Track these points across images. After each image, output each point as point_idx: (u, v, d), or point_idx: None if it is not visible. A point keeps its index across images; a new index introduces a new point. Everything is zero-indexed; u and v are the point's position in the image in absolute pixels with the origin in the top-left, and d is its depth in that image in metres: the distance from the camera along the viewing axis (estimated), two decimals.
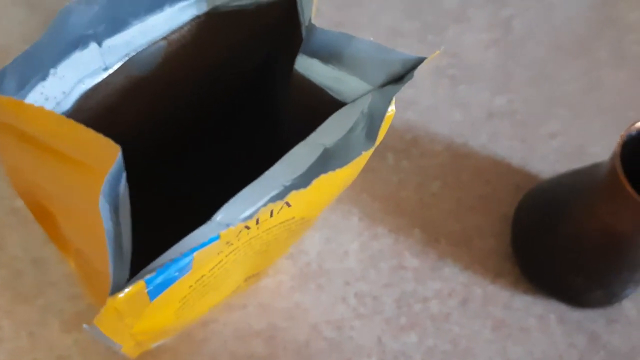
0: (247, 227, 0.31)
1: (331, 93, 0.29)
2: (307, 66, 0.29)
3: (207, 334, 0.47)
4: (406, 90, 0.59)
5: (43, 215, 0.34)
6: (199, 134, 0.37)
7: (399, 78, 0.28)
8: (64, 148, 0.24)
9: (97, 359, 0.45)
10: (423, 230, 0.53)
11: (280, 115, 0.34)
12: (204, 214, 0.42)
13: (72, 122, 0.22)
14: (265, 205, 0.26)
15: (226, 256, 0.32)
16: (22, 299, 0.47)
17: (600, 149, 0.58)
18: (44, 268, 0.48)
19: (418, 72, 0.60)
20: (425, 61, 0.28)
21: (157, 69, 0.30)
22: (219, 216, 0.26)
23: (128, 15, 0.27)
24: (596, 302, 0.48)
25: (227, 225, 0.26)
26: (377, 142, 0.31)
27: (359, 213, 0.53)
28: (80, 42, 0.26)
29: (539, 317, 0.50)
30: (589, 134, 0.59)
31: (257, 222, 0.31)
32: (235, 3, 0.31)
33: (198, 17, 0.30)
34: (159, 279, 0.25)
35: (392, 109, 0.31)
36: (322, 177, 0.26)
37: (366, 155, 0.29)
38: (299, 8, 0.29)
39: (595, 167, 0.46)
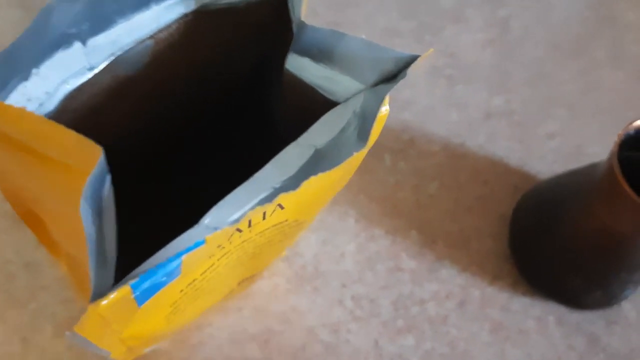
0: (239, 230, 0.30)
1: (323, 92, 0.28)
2: (298, 65, 0.28)
3: (202, 337, 0.46)
4: (403, 90, 0.58)
5: (31, 218, 0.33)
6: (191, 134, 0.36)
7: (392, 77, 0.27)
8: (46, 150, 0.23)
9: None
10: (420, 231, 0.52)
11: (273, 115, 0.34)
12: (198, 215, 0.41)
13: (53, 123, 0.22)
14: (253, 208, 0.25)
15: (218, 260, 0.31)
16: (14, 303, 0.46)
17: (599, 149, 0.57)
18: (36, 272, 0.47)
19: (415, 72, 0.59)
20: (418, 59, 0.27)
21: (145, 69, 0.29)
22: (207, 219, 0.25)
23: (113, 14, 0.26)
24: (595, 304, 0.47)
25: (215, 229, 0.25)
26: (370, 143, 0.30)
27: (356, 214, 0.52)
28: (63, 42, 0.25)
29: (537, 319, 0.49)
30: (587, 134, 0.58)
31: (250, 225, 0.30)
32: (224, 1, 0.30)
33: (186, 15, 0.29)
34: (146, 284, 0.24)
35: (386, 109, 0.30)
36: (312, 179, 0.25)
37: (358, 156, 0.28)
38: (290, 5, 0.28)
39: (593, 167, 0.45)
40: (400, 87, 0.58)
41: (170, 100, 0.32)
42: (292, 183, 0.26)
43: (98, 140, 0.30)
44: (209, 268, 0.30)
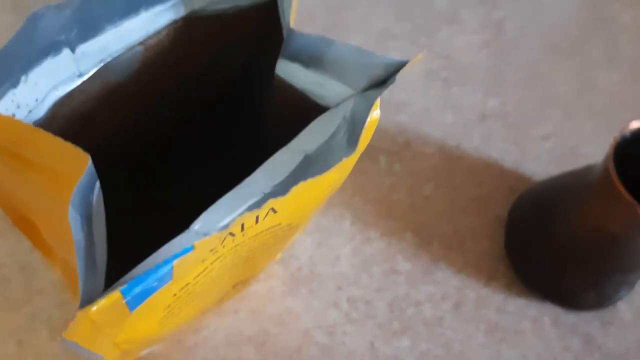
0: (232, 234, 0.30)
1: (313, 98, 0.28)
2: (288, 71, 0.28)
3: (198, 340, 0.46)
4: (398, 92, 0.58)
5: (25, 223, 0.33)
6: (184, 139, 0.36)
7: (382, 82, 0.27)
8: (35, 157, 0.23)
9: None
10: (415, 233, 0.52)
11: (264, 120, 0.33)
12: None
13: (40, 131, 0.22)
14: (242, 214, 0.25)
15: (211, 264, 0.31)
16: (10, 307, 0.46)
17: (594, 150, 0.57)
18: (32, 275, 0.47)
19: (410, 74, 0.59)
20: (408, 64, 0.27)
21: (135, 75, 0.29)
22: (197, 225, 0.25)
23: (101, 20, 0.26)
24: (590, 304, 0.47)
25: (204, 235, 0.25)
26: (361, 148, 0.30)
27: (351, 217, 0.52)
28: (52, 48, 0.25)
29: (533, 320, 0.49)
30: (582, 135, 0.58)
31: (243, 229, 0.30)
32: (214, 7, 0.30)
33: (175, 21, 0.29)
34: (137, 290, 0.24)
35: (377, 113, 0.30)
36: (301, 184, 0.25)
37: (348, 161, 0.28)
38: (280, 11, 0.28)
39: (588, 168, 0.45)
40: (396, 90, 0.58)
41: (162, 105, 0.32)
42: (282, 188, 0.26)
43: (89, 146, 0.30)
44: (202, 272, 0.30)
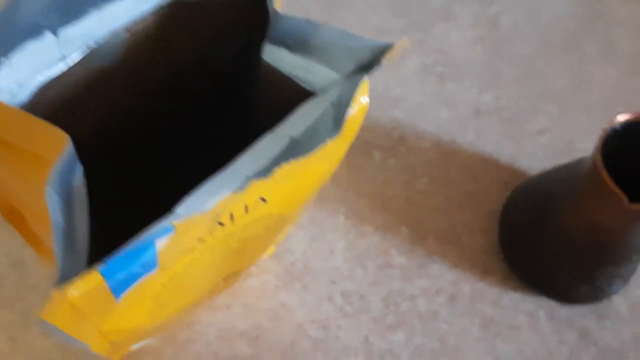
0: (221, 224, 0.29)
1: (300, 83, 0.28)
2: (274, 56, 0.27)
3: (190, 335, 0.46)
4: (393, 88, 0.58)
5: (14, 216, 0.33)
6: (174, 127, 0.35)
7: (369, 66, 0.27)
8: (15, 139, 0.22)
9: None
10: (410, 228, 0.51)
11: (253, 106, 0.33)
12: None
13: (19, 111, 0.21)
14: (225, 196, 0.25)
15: (200, 254, 0.30)
16: (3, 303, 0.46)
17: (589, 144, 0.56)
18: (24, 271, 0.47)
19: (405, 70, 0.59)
20: (393, 47, 0.26)
21: (122, 62, 0.28)
22: (179, 209, 0.25)
23: (84, 4, 0.26)
24: (584, 298, 0.47)
25: (184, 216, 0.24)
26: (349, 134, 0.29)
27: (345, 211, 0.51)
28: (33, 31, 0.25)
29: (528, 314, 0.48)
30: (577, 130, 0.57)
31: (232, 219, 0.30)
32: None
33: (162, 7, 0.29)
34: (121, 275, 0.24)
35: (365, 99, 0.30)
36: (285, 167, 0.25)
37: (335, 146, 0.28)
38: None
39: (580, 162, 0.44)
40: (391, 85, 0.58)
41: (152, 95, 0.32)
42: (266, 172, 0.25)
43: (76, 134, 0.29)
44: (191, 262, 0.30)
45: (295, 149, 0.26)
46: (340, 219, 0.51)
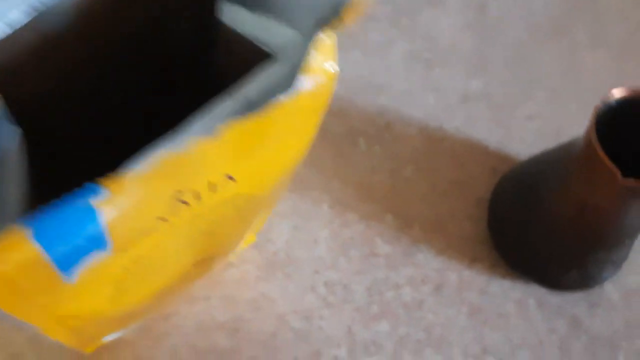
0: (185, 203, 0.28)
1: (258, 44, 0.26)
2: (232, 16, 0.26)
3: (167, 327, 0.44)
4: (379, 75, 0.56)
5: None
6: (132, 97, 0.34)
7: (328, 22, 0.25)
8: None
9: (50, 356, 0.42)
10: (396, 216, 0.50)
11: (211, 71, 0.31)
12: None
13: None
14: (163, 155, 0.23)
15: (165, 235, 0.29)
16: None
17: (579, 130, 0.55)
18: None
19: (391, 56, 0.57)
20: (355, 3, 0.25)
21: (73, 27, 0.27)
22: (118, 170, 0.23)
23: None
24: (574, 285, 0.45)
25: (117, 177, 0.22)
26: (320, 106, 0.28)
27: (330, 200, 0.50)
28: None
29: (517, 302, 0.47)
30: (567, 115, 0.56)
31: (199, 198, 0.28)
32: None
33: None
34: (62, 247, 0.22)
35: (333, 67, 0.28)
36: (233, 124, 0.23)
37: (299, 115, 0.26)
38: None
39: (570, 144, 0.43)
40: (376, 72, 0.56)
41: (104, 62, 0.30)
42: (213, 130, 0.23)
43: (17, 99, 0.28)
44: (155, 244, 0.28)
45: (248, 110, 0.24)
46: (324, 207, 0.49)
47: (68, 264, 0.23)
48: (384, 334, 0.45)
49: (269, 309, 0.45)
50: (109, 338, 0.40)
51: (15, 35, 0.25)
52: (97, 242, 0.23)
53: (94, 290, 0.27)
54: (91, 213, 0.22)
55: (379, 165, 0.52)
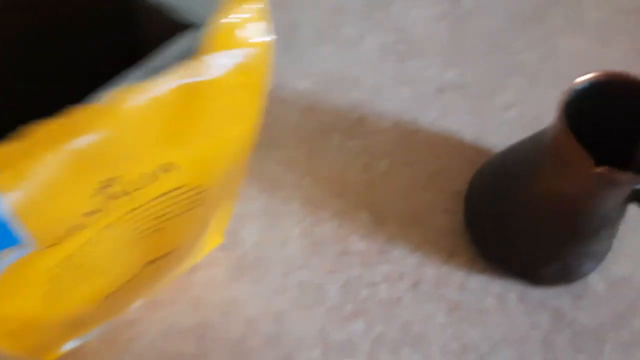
0: (115, 197, 0.26)
1: (173, 15, 0.24)
2: None
3: (132, 333, 0.42)
4: (351, 68, 0.54)
5: None
6: (50, 75, 0.31)
7: None
8: None
9: None
10: (370, 211, 0.48)
11: (126, 45, 0.29)
12: None
13: None
14: (58, 121, 0.20)
15: (99, 232, 0.27)
16: None
17: None
18: None
19: (363, 49, 0.55)
20: None
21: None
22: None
23: None
24: (553, 278, 0.43)
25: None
26: (255, 82, 0.26)
27: (301, 197, 0.48)
28: None
29: (497, 296, 0.45)
30: (546, 103, 0.54)
31: (133, 190, 0.26)
32: None
33: None
34: None
35: (269, 37, 0.26)
36: (125, 89, 0.21)
37: (221, 81, 0.24)
38: None
39: (542, 132, 0.41)
40: (349, 66, 0.54)
41: (17, 40, 0.28)
42: (106, 96, 0.21)
43: None
44: (88, 242, 0.26)
45: (148, 75, 0.22)
46: (296, 205, 0.47)
47: None
48: (359, 334, 0.43)
49: (238, 312, 0.43)
50: (68, 347, 0.38)
51: None
52: (10, 237, 0.21)
53: (22, 291, 0.25)
54: None
55: (352, 160, 0.50)
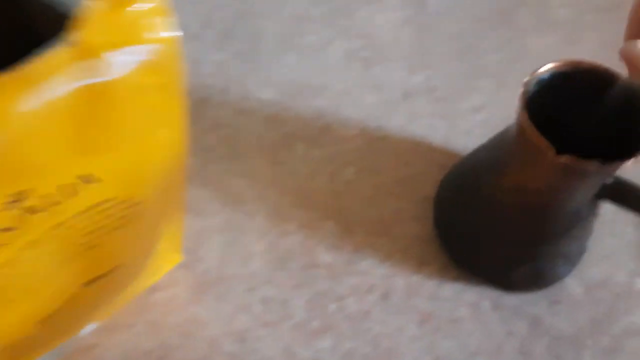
0: (32, 211, 0.23)
1: (57, 6, 0.22)
2: None
3: (89, 359, 0.39)
4: (316, 76, 0.52)
5: None
6: None
7: None
8: None
9: None
10: (337, 222, 0.45)
11: (20, 41, 0.27)
12: None
13: None
14: None
15: (20, 251, 0.24)
16: None
17: None
18: None
19: (327, 57, 0.53)
20: None
21: None
22: None
23: None
24: (526, 283, 0.41)
25: None
26: (167, 80, 0.23)
27: (265, 210, 0.46)
28: None
29: (471, 305, 0.43)
30: (515, 104, 0.52)
31: (53, 206, 0.24)
32: None
33: None
34: None
35: (174, 32, 0.23)
36: (10, 92, 0.19)
37: (123, 82, 0.21)
38: None
39: (507, 129, 0.39)
40: (313, 73, 0.52)
41: None
42: None
43: None
44: (8, 261, 0.24)
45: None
46: (259, 219, 0.45)
47: None
48: (327, 351, 0.41)
49: (200, 333, 0.41)
50: None
51: None
52: None
53: None
54: None
55: (317, 169, 0.48)
